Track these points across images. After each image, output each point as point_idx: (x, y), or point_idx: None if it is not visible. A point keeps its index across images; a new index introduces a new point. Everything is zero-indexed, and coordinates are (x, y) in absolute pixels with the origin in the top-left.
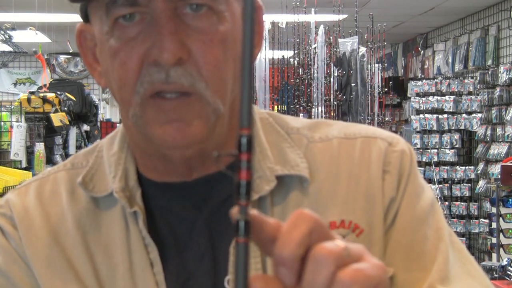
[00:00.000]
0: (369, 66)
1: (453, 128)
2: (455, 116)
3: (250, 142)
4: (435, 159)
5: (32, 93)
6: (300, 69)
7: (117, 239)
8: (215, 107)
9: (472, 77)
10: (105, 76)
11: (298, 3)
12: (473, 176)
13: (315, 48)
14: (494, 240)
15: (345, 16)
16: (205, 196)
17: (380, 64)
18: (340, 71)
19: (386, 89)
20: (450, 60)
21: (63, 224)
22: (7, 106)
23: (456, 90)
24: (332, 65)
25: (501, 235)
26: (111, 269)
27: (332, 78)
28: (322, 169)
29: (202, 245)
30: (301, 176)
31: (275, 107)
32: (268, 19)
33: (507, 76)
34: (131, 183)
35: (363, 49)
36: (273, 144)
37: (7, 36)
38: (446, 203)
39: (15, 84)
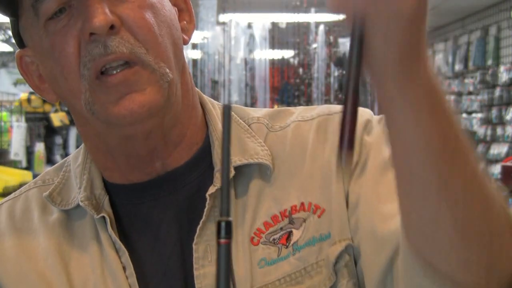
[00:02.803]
0: None
1: None
2: None
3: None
4: None
5: (32, 93)
6: (300, 69)
7: (89, 247)
8: (162, 72)
9: (472, 77)
10: (52, 83)
11: (298, 3)
12: None
13: (315, 48)
14: None
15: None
16: (170, 192)
17: None
18: (340, 71)
19: None
20: (450, 60)
21: (34, 238)
22: (7, 106)
23: (456, 90)
24: (332, 65)
25: None
26: (84, 277)
27: (332, 78)
28: (281, 156)
29: (169, 245)
30: (261, 164)
31: (275, 107)
32: (268, 19)
33: (507, 76)
34: (97, 191)
35: None
36: (234, 137)
37: (7, 36)
38: None
39: (15, 84)
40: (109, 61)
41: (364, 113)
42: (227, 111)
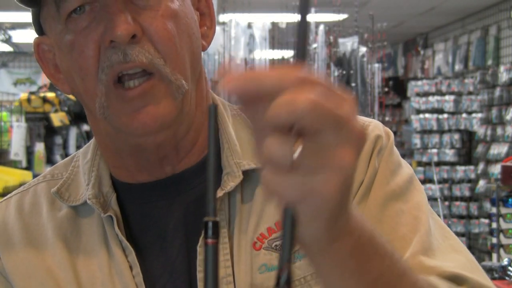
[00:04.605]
0: (369, 66)
1: (453, 128)
2: (455, 116)
3: (290, 280)
4: (435, 159)
5: (32, 93)
6: None
7: (97, 245)
8: (178, 84)
9: (472, 77)
10: (67, 77)
11: (298, 3)
12: (473, 176)
13: (315, 48)
14: (494, 240)
15: (345, 16)
16: (178, 194)
17: (380, 64)
18: (340, 71)
19: (386, 89)
20: (450, 60)
21: (43, 234)
22: (7, 106)
23: (456, 90)
24: (332, 65)
25: (501, 235)
26: (91, 275)
27: (332, 78)
28: None
29: (176, 245)
30: None
31: None
32: (268, 19)
33: (507, 76)
34: (105, 189)
35: (363, 49)
36: (244, 139)
37: (7, 36)
38: (446, 203)
39: (15, 84)
40: (126, 68)
41: (376, 128)
42: (212, 111)
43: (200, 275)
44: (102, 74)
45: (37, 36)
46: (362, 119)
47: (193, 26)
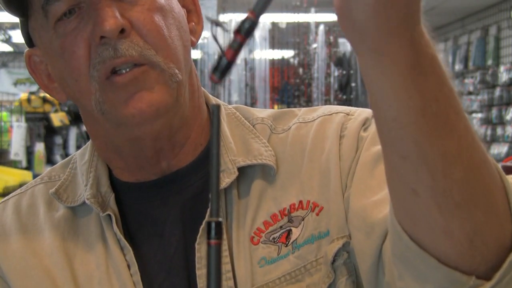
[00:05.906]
0: None
1: None
2: None
3: (251, 28)
4: None
5: (32, 93)
6: (300, 69)
7: (94, 244)
8: (171, 72)
9: (472, 77)
10: (62, 84)
11: (298, 3)
12: None
13: (315, 48)
14: None
15: None
16: (175, 192)
17: None
18: (340, 71)
19: None
20: (450, 60)
21: (40, 234)
22: (7, 106)
23: (456, 90)
24: (332, 65)
25: None
26: (88, 274)
27: (332, 78)
28: (281, 157)
29: (173, 243)
30: (264, 165)
31: (275, 107)
32: (268, 19)
33: (507, 76)
34: (103, 189)
35: None
36: (239, 137)
37: (7, 36)
38: None
39: (15, 84)
40: (118, 64)
41: (364, 112)
42: (216, 111)
43: (199, 272)
44: (93, 71)
45: (27, 49)
46: (351, 108)
47: (181, 20)
